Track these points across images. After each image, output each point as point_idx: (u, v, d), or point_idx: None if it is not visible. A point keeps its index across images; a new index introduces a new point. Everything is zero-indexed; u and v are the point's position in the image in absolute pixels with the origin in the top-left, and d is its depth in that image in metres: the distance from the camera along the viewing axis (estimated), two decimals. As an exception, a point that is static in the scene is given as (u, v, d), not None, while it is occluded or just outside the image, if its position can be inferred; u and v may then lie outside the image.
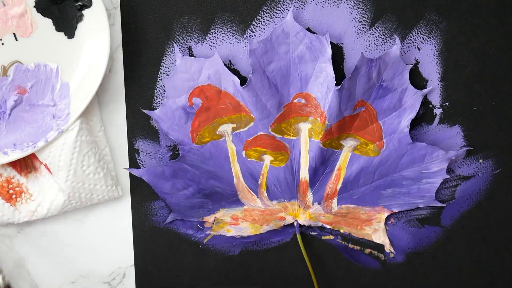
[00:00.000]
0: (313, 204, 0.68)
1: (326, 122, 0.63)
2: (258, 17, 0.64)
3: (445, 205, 0.68)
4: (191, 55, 0.65)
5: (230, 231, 0.70)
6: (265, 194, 0.68)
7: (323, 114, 0.63)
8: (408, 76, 0.63)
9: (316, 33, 0.63)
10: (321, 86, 0.62)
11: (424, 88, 0.65)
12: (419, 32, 0.64)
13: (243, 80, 0.64)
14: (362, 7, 0.63)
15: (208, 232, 0.70)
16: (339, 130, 0.64)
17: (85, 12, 0.62)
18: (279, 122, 0.65)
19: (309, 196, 0.68)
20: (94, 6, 0.61)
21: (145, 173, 0.66)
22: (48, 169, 0.65)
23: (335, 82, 0.61)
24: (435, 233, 0.70)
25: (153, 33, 0.65)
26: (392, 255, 0.71)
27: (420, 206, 0.67)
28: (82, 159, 0.65)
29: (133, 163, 0.68)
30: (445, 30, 0.64)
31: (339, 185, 0.67)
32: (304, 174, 0.66)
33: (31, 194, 0.67)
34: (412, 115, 0.64)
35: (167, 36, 0.65)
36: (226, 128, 0.65)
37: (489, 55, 0.64)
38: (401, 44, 0.64)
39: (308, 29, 0.64)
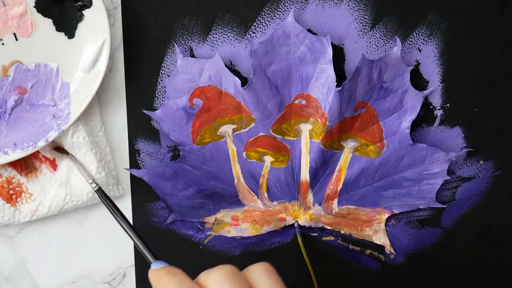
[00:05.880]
0: (313, 205, 0.68)
1: (327, 123, 0.63)
2: (259, 18, 0.64)
3: (445, 206, 0.68)
4: (192, 55, 0.65)
5: (231, 232, 0.70)
6: (266, 195, 0.68)
7: (324, 115, 0.63)
8: (409, 77, 0.63)
9: (317, 34, 0.63)
10: (322, 87, 0.62)
11: (425, 89, 0.65)
12: (420, 34, 0.64)
13: (244, 81, 0.64)
14: (363, 8, 0.63)
15: (208, 233, 0.70)
16: (339, 131, 0.64)
17: (85, 12, 0.62)
18: (279, 123, 0.64)
19: (310, 197, 0.68)
20: (94, 6, 0.61)
21: (145, 174, 0.66)
22: (55, 165, 0.65)
23: (336, 83, 0.61)
24: (436, 234, 0.70)
25: (154, 33, 0.64)
26: (392, 256, 0.71)
27: (421, 207, 0.67)
28: (83, 158, 0.65)
29: (134, 163, 0.68)
30: (446, 32, 0.64)
31: (340, 186, 0.67)
32: (305, 175, 0.66)
33: (31, 193, 0.66)
34: (413, 116, 0.64)
35: (168, 37, 0.64)
36: (226, 129, 0.65)
37: (490, 56, 0.64)
38: (402, 46, 0.64)
39: (309, 30, 0.63)
